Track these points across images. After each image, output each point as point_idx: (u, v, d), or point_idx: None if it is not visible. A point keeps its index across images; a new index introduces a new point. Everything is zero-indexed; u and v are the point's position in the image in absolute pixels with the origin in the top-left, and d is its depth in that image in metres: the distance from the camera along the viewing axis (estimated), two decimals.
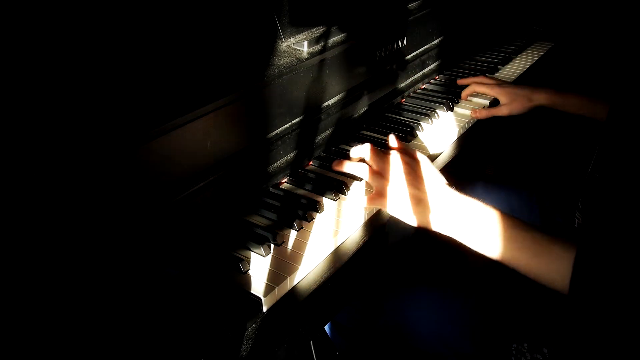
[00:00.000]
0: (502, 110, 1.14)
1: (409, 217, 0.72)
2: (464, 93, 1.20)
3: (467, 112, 1.14)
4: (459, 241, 0.70)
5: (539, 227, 0.66)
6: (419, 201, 0.71)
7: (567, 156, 1.82)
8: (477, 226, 0.68)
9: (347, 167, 0.80)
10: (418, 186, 0.72)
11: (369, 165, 0.77)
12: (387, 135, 1.02)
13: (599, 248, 0.61)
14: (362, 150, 0.79)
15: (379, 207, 0.76)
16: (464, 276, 0.93)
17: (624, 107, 0.84)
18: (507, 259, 0.66)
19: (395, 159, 0.74)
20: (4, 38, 0.59)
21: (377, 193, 0.75)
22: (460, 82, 1.24)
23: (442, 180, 0.73)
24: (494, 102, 1.18)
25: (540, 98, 1.11)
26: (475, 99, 1.20)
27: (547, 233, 0.65)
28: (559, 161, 1.88)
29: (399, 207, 0.72)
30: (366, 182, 0.80)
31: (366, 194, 0.81)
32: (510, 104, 1.13)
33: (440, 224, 0.71)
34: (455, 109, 1.16)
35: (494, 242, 0.66)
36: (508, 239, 0.66)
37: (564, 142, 1.81)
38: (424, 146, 1.00)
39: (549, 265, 0.63)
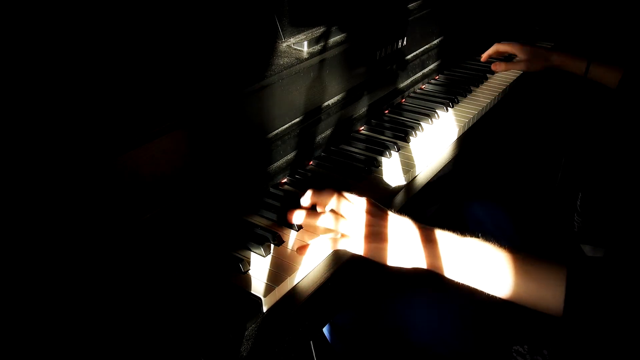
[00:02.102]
0: (520, 65, 1.26)
1: (409, 264, 0.68)
2: (486, 53, 1.32)
3: (467, 112, 1.13)
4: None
5: (523, 251, 0.64)
6: (413, 250, 0.67)
7: (563, 159, 1.82)
8: (463, 262, 0.65)
9: (295, 218, 0.73)
10: (409, 236, 0.67)
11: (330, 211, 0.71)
12: (387, 135, 1.03)
13: (589, 266, 0.60)
14: (321, 197, 0.72)
15: (342, 246, 0.70)
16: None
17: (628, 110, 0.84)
18: (496, 289, 0.64)
19: (393, 220, 0.69)
20: None
21: (374, 248, 0.68)
22: (484, 56, 1.34)
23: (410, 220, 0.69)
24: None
25: (557, 59, 1.23)
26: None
27: (535, 257, 0.63)
28: (554, 165, 1.88)
29: (398, 260, 0.67)
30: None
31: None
32: (528, 61, 1.25)
33: (437, 267, 0.67)
34: (456, 108, 1.16)
35: (481, 278, 0.65)
36: (494, 273, 0.64)
37: (561, 145, 1.81)
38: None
39: (538, 290, 0.62)
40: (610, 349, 0.59)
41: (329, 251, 0.72)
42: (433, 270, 0.67)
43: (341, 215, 0.70)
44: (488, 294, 0.65)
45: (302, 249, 0.69)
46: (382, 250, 0.67)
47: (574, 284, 0.60)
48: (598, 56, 1.16)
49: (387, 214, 0.69)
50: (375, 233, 0.67)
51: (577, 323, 0.60)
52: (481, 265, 0.65)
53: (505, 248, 0.65)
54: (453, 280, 0.67)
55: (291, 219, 0.74)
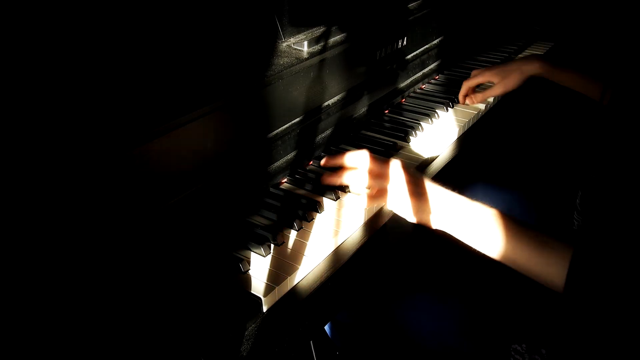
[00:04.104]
0: (496, 90, 1.14)
1: (409, 214, 0.73)
2: (460, 95, 1.18)
3: (468, 112, 1.14)
4: (458, 239, 0.71)
5: (537, 227, 0.67)
6: (420, 198, 0.72)
7: (564, 157, 1.82)
8: (475, 225, 0.68)
9: (346, 178, 0.77)
10: (418, 184, 0.73)
11: (368, 170, 0.75)
12: (387, 135, 1.03)
13: (595, 249, 0.61)
14: (359, 157, 0.77)
15: (380, 203, 0.78)
16: (464, 276, 0.93)
17: (624, 107, 0.84)
18: (505, 257, 0.67)
19: (395, 162, 0.75)
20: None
21: (378, 192, 0.76)
22: (461, 98, 1.20)
23: (437, 184, 0.74)
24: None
25: (530, 68, 1.11)
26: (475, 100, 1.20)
27: (546, 233, 0.65)
28: (555, 162, 1.88)
29: (400, 203, 0.73)
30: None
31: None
32: (502, 81, 1.13)
33: (439, 222, 0.71)
34: (456, 108, 1.16)
35: (492, 241, 0.67)
36: (506, 238, 0.66)
37: (561, 143, 1.81)
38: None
39: (546, 265, 0.64)
40: (607, 330, 0.59)
41: (332, 248, 0.73)
42: (440, 228, 0.72)
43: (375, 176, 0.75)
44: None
45: (302, 248, 0.71)
46: (403, 204, 0.73)
47: (579, 259, 0.61)
48: (577, 63, 1.10)
49: (425, 181, 0.73)
50: (415, 199, 0.72)
51: (577, 299, 0.60)
52: (490, 232, 0.67)
53: (515, 219, 0.67)
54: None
55: (333, 181, 0.78)
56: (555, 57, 1.57)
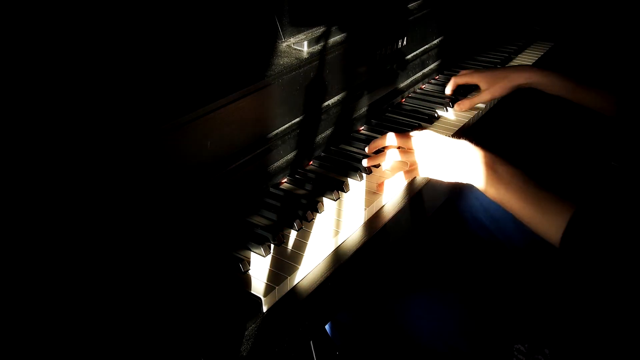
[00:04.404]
0: (484, 96, 1.12)
1: (439, 174, 0.80)
2: (448, 89, 1.18)
3: (467, 112, 1.13)
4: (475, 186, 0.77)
5: (548, 189, 0.72)
6: (445, 156, 0.79)
7: (567, 155, 1.82)
8: (489, 177, 0.74)
9: (387, 157, 0.87)
10: (441, 144, 0.80)
11: (397, 148, 0.86)
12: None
13: (594, 209, 0.65)
14: (389, 139, 0.88)
15: (414, 175, 0.86)
16: (465, 276, 0.93)
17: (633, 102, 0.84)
18: (514, 211, 0.73)
19: (415, 134, 0.84)
20: (29, 30, 0.59)
21: (411, 165, 0.85)
22: (449, 92, 1.20)
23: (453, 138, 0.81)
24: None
25: (519, 77, 1.10)
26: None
27: (555, 194, 0.71)
28: (556, 158, 1.88)
29: (429, 167, 0.81)
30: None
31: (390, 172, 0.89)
32: (490, 88, 1.12)
33: (462, 175, 0.77)
34: (456, 108, 1.16)
35: (506, 192, 0.73)
36: (517, 195, 0.72)
37: (564, 142, 1.81)
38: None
39: (549, 222, 0.68)
40: (598, 290, 0.63)
41: (332, 248, 0.74)
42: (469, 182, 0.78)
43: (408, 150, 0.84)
44: (489, 293, 0.67)
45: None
46: (448, 172, 0.80)
47: (578, 217, 0.66)
48: (572, 72, 1.07)
49: (455, 141, 0.81)
50: (446, 159, 0.80)
51: (570, 255, 0.66)
52: (510, 194, 0.73)
53: (526, 177, 0.73)
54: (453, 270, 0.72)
55: (377, 160, 0.89)
56: (551, 60, 1.57)
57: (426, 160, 0.81)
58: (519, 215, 0.73)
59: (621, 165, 0.82)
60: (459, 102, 1.13)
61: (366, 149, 0.92)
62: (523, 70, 1.11)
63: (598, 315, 0.66)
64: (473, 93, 1.20)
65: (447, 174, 0.79)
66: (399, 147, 0.86)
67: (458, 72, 1.34)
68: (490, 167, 0.75)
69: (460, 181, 0.79)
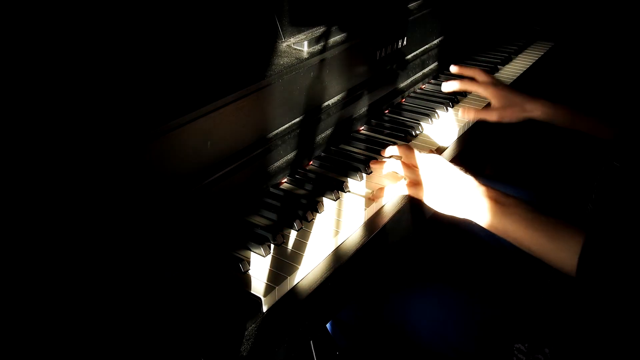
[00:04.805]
0: (492, 116, 1.07)
1: (443, 206, 0.78)
2: (448, 87, 1.13)
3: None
4: (478, 224, 0.75)
5: (552, 214, 0.70)
6: (451, 191, 0.77)
7: (567, 154, 1.82)
8: (494, 211, 0.72)
9: (387, 166, 0.87)
10: (448, 175, 0.78)
11: (401, 161, 0.85)
12: (387, 135, 1.03)
13: (608, 233, 0.64)
14: (390, 150, 0.90)
15: (418, 195, 0.81)
16: (466, 276, 0.93)
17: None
18: (522, 242, 0.71)
19: (423, 156, 0.82)
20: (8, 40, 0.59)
21: (412, 181, 0.82)
22: (451, 82, 1.14)
23: (459, 170, 0.79)
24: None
25: (534, 110, 1.04)
26: (478, 98, 1.20)
27: (560, 219, 0.69)
28: (558, 160, 1.88)
29: (435, 197, 0.78)
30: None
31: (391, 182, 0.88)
32: (502, 110, 1.06)
33: (468, 212, 0.75)
34: (456, 108, 1.16)
35: (512, 223, 0.71)
36: (524, 224, 0.70)
37: (564, 140, 1.81)
38: (431, 141, 1.01)
39: (560, 249, 0.67)
40: (616, 315, 0.61)
41: (332, 248, 0.74)
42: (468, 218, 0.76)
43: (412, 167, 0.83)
44: (490, 292, 0.67)
45: (379, 190, 0.82)
46: (449, 205, 0.77)
47: (591, 244, 0.64)
48: (586, 108, 1.01)
49: (460, 174, 0.78)
50: (448, 191, 0.77)
51: (588, 283, 0.63)
52: (507, 220, 0.72)
53: (532, 206, 0.71)
54: (453, 269, 0.72)
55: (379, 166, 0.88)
56: (555, 59, 1.57)
57: (433, 189, 0.79)
58: (529, 246, 0.70)
59: (623, 166, 0.82)
60: (466, 109, 1.08)
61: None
62: (540, 103, 1.04)
63: (597, 315, 0.66)
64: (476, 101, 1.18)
65: (452, 208, 0.77)
66: (401, 160, 0.85)
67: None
68: (495, 201, 0.73)
69: (464, 217, 0.76)
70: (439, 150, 0.99)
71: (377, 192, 0.83)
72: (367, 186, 0.86)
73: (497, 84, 1.10)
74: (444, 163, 0.80)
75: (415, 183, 0.81)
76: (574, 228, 0.67)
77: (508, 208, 0.71)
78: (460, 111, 1.10)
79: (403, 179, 0.84)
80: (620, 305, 0.61)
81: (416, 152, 0.83)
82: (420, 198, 0.80)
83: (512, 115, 1.05)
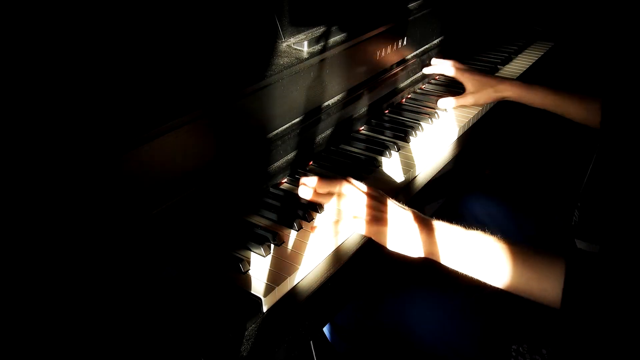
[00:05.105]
0: (467, 99, 1.13)
1: (407, 249, 0.70)
2: (428, 70, 1.21)
3: (468, 112, 1.13)
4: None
5: (525, 244, 0.66)
6: (413, 234, 0.69)
7: (565, 158, 1.82)
8: (461, 252, 0.68)
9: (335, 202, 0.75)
10: (409, 220, 0.70)
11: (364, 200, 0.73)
12: (387, 135, 1.03)
13: (594, 259, 0.61)
14: (344, 186, 0.74)
15: (379, 234, 0.71)
16: (465, 277, 0.93)
17: (621, 109, 0.84)
18: (495, 277, 0.67)
19: (389, 202, 0.72)
20: None
21: (373, 221, 0.70)
22: (431, 66, 1.22)
23: (419, 214, 0.72)
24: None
25: (505, 89, 1.10)
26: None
27: (535, 249, 0.65)
28: (557, 162, 1.88)
29: (397, 241, 0.69)
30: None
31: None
32: (475, 93, 1.12)
33: (433, 254, 0.69)
34: (439, 104, 1.15)
35: (479, 267, 0.67)
36: (493, 257, 0.66)
37: (564, 144, 1.81)
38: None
39: (539, 279, 0.64)
40: (607, 342, 0.59)
41: (332, 248, 0.73)
42: (431, 258, 0.70)
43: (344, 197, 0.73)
44: (489, 291, 0.66)
45: (302, 248, 0.71)
46: (382, 234, 0.69)
47: (573, 276, 0.61)
48: (561, 83, 1.06)
49: (387, 200, 0.72)
50: (377, 217, 0.70)
51: (575, 315, 0.61)
52: (479, 255, 0.67)
53: (504, 240, 0.67)
54: (452, 270, 0.69)
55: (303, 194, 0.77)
56: (555, 59, 1.57)
57: (385, 228, 0.69)
58: (503, 281, 0.65)
59: (609, 166, 0.81)
60: (444, 99, 1.14)
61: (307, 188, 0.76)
62: (510, 83, 1.11)
63: (596, 316, 0.66)
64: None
65: (407, 247, 0.69)
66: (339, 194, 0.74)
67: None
68: (456, 236, 0.68)
69: (424, 255, 0.70)
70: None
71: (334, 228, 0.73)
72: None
73: (470, 69, 1.17)
74: (382, 195, 0.73)
75: (376, 221, 0.70)
76: (553, 255, 0.63)
77: (471, 242, 0.67)
78: (438, 103, 1.14)
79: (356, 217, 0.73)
80: (612, 335, 0.59)
81: (352, 181, 0.74)
82: (359, 231, 0.72)
83: (486, 97, 1.12)
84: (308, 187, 0.76)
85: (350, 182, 0.74)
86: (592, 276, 0.61)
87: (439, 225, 0.70)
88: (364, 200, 0.72)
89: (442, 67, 1.20)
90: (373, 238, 0.71)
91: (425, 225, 0.69)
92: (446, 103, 1.13)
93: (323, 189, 0.75)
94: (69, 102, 0.61)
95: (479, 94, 1.12)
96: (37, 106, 0.59)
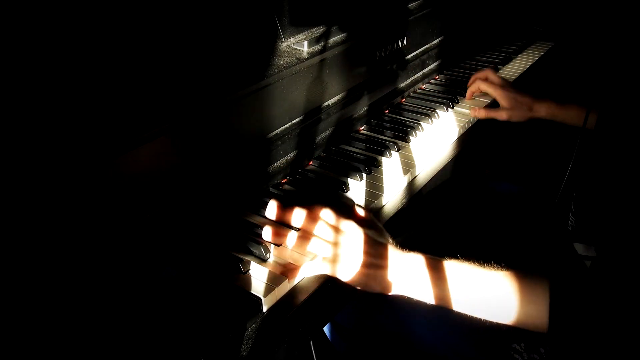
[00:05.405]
0: (501, 115, 1.12)
1: (367, 285, 0.66)
2: (469, 91, 1.20)
3: (467, 112, 1.14)
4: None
5: (502, 265, 0.65)
6: (375, 267, 0.65)
7: (563, 157, 1.82)
8: (429, 278, 0.65)
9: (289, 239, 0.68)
10: (376, 252, 0.65)
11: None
12: (387, 135, 1.03)
13: (584, 276, 0.61)
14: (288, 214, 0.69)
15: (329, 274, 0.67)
16: None
17: (616, 112, 0.84)
18: (475, 306, 0.66)
19: (351, 227, 0.66)
20: None
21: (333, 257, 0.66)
22: (469, 94, 1.21)
23: (390, 241, 0.68)
24: (494, 103, 1.18)
25: (541, 110, 1.10)
26: (478, 98, 1.20)
27: (517, 272, 0.63)
28: (556, 162, 1.88)
29: (355, 277, 0.65)
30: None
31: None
32: (510, 110, 1.12)
33: (401, 289, 0.66)
34: (456, 108, 1.16)
35: (455, 291, 0.65)
36: (471, 284, 0.65)
37: (563, 143, 1.81)
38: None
39: (524, 302, 0.62)
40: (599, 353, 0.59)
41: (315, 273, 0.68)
42: (407, 295, 0.66)
43: (334, 239, 0.66)
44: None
45: (292, 271, 0.66)
46: (376, 285, 0.65)
47: (558, 299, 0.59)
48: (594, 103, 1.00)
49: (386, 249, 0.66)
50: (373, 270, 0.64)
51: (564, 338, 0.60)
52: (456, 289, 0.65)
53: (490, 265, 0.65)
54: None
55: (276, 239, 0.69)
56: (555, 59, 1.56)
57: (350, 265, 0.64)
58: (485, 308, 0.63)
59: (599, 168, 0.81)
60: (476, 109, 1.13)
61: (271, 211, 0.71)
62: (546, 104, 1.10)
63: (593, 314, 0.66)
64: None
65: (376, 286, 0.65)
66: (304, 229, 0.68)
67: (458, 72, 1.35)
68: (428, 266, 0.65)
69: (396, 293, 0.66)
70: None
71: (290, 272, 0.66)
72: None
73: (505, 85, 1.16)
74: (379, 241, 0.66)
75: (333, 260, 0.66)
76: (537, 276, 0.61)
77: (445, 271, 0.64)
78: (471, 112, 1.13)
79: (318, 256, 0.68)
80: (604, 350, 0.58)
81: (338, 214, 0.67)
82: (347, 281, 0.66)
83: (520, 115, 1.12)
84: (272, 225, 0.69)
85: (335, 215, 0.67)
86: (579, 297, 0.59)
87: (411, 260, 0.65)
88: (357, 247, 0.65)
89: (476, 85, 1.18)
90: (364, 289, 0.66)
91: (398, 262, 0.65)
92: (478, 113, 1.13)
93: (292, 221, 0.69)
94: (69, 103, 0.62)
95: (514, 112, 1.11)
96: (37, 106, 0.59)
